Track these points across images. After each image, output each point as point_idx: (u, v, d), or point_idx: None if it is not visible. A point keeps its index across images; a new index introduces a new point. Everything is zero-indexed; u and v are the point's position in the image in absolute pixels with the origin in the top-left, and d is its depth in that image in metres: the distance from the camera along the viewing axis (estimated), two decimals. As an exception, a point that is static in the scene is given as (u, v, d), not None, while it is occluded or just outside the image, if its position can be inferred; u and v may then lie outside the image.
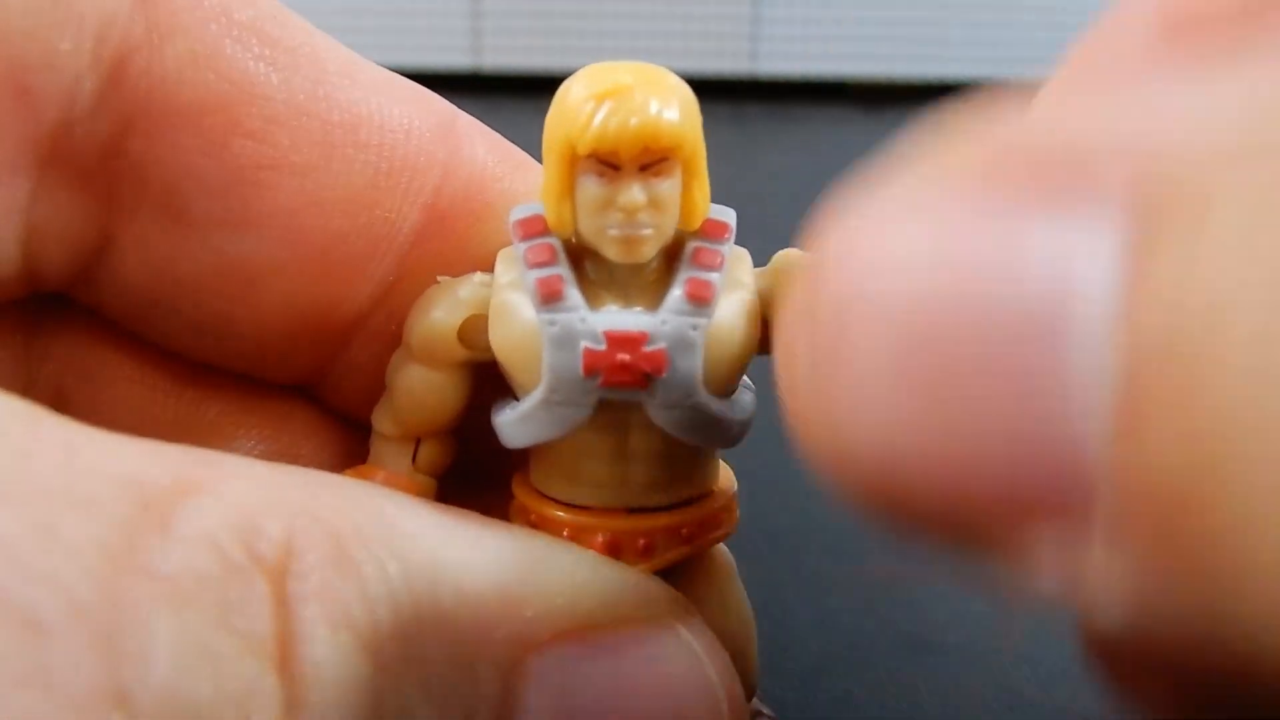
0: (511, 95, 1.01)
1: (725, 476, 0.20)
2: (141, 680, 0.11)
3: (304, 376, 0.21)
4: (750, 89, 1.03)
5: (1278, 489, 0.09)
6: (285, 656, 0.12)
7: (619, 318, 0.17)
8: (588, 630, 0.16)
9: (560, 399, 0.17)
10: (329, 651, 0.12)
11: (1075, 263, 0.10)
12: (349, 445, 0.21)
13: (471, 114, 0.21)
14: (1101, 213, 0.10)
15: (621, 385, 0.17)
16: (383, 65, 0.21)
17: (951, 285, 0.11)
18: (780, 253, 0.20)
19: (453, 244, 0.20)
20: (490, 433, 0.19)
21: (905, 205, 0.11)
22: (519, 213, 0.18)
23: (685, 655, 0.16)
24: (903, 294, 0.11)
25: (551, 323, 0.17)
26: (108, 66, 0.18)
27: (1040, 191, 0.10)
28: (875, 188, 0.12)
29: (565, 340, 0.17)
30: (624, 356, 0.17)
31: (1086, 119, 0.11)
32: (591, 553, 0.17)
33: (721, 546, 0.20)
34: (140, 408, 0.20)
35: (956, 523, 0.11)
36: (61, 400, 0.20)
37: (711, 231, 0.18)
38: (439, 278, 0.19)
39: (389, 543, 0.14)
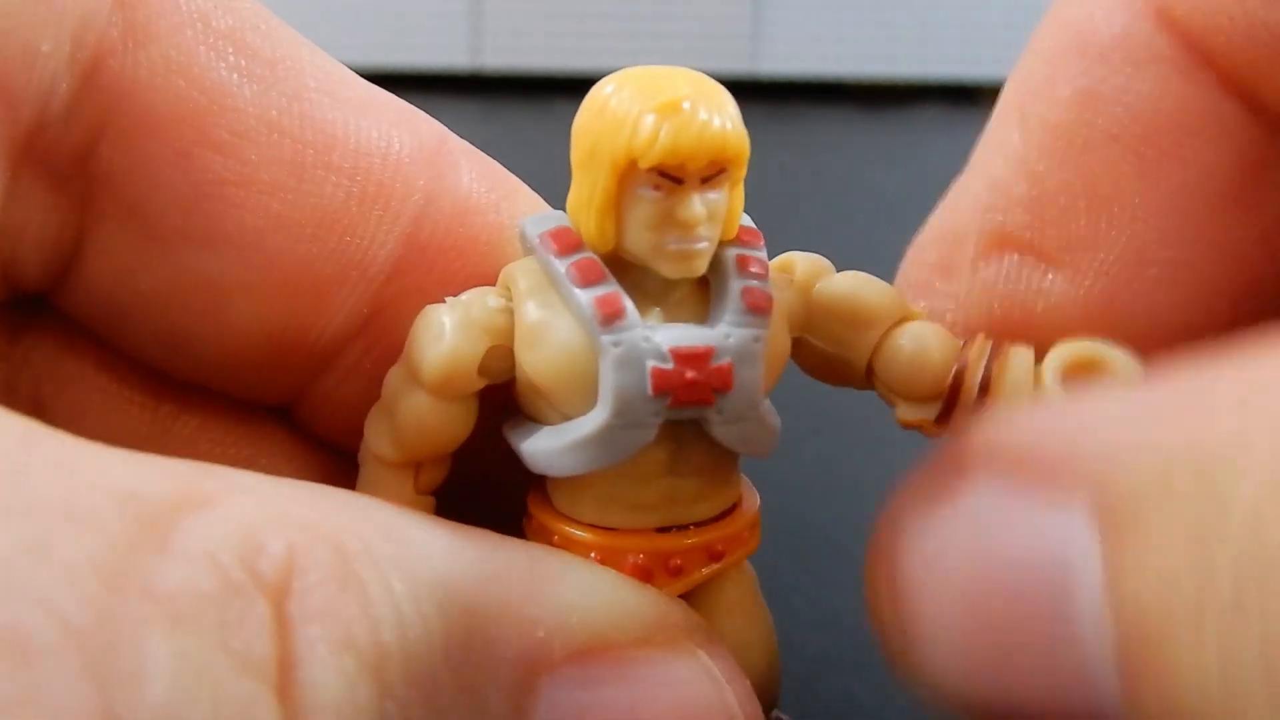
0: (511, 95, 1.01)
1: (748, 489, 0.19)
2: (135, 703, 0.11)
3: (278, 399, 0.20)
4: (750, 89, 1.03)
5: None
6: (284, 679, 0.12)
7: (683, 333, 0.16)
8: (603, 651, 0.15)
9: (625, 422, 0.16)
10: (329, 674, 0.12)
11: (1068, 547, 0.13)
12: (329, 470, 0.21)
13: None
14: (1078, 509, 0.13)
15: (690, 404, 0.16)
16: (382, 65, 0.20)
17: (990, 574, 0.14)
18: (793, 258, 0.19)
19: (434, 278, 0.19)
20: (487, 446, 0.18)
21: (947, 513, 0.15)
22: (540, 224, 0.17)
23: (704, 680, 0.16)
24: (957, 580, 0.14)
25: (616, 343, 0.16)
26: (83, 68, 0.17)
27: (1038, 495, 0.14)
28: (926, 498, 0.15)
29: (631, 361, 0.16)
30: (692, 374, 0.16)
31: (1059, 429, 0.15)
32: (611, 571, 0.17)
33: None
34: (115, 419, 0.20)
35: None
36: (39, 408, 0.20)
37: (748, 238, 0.18)
38: (446, 299, 0.18)
39: (396, 560, 0.14)
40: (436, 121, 0.20)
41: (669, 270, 0.17)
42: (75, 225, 0.19)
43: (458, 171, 0.20)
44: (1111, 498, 0.13)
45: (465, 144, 0.20)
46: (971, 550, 0.14)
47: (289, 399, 0.21)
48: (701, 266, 0.17)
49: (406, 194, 0.19)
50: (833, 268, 0.19)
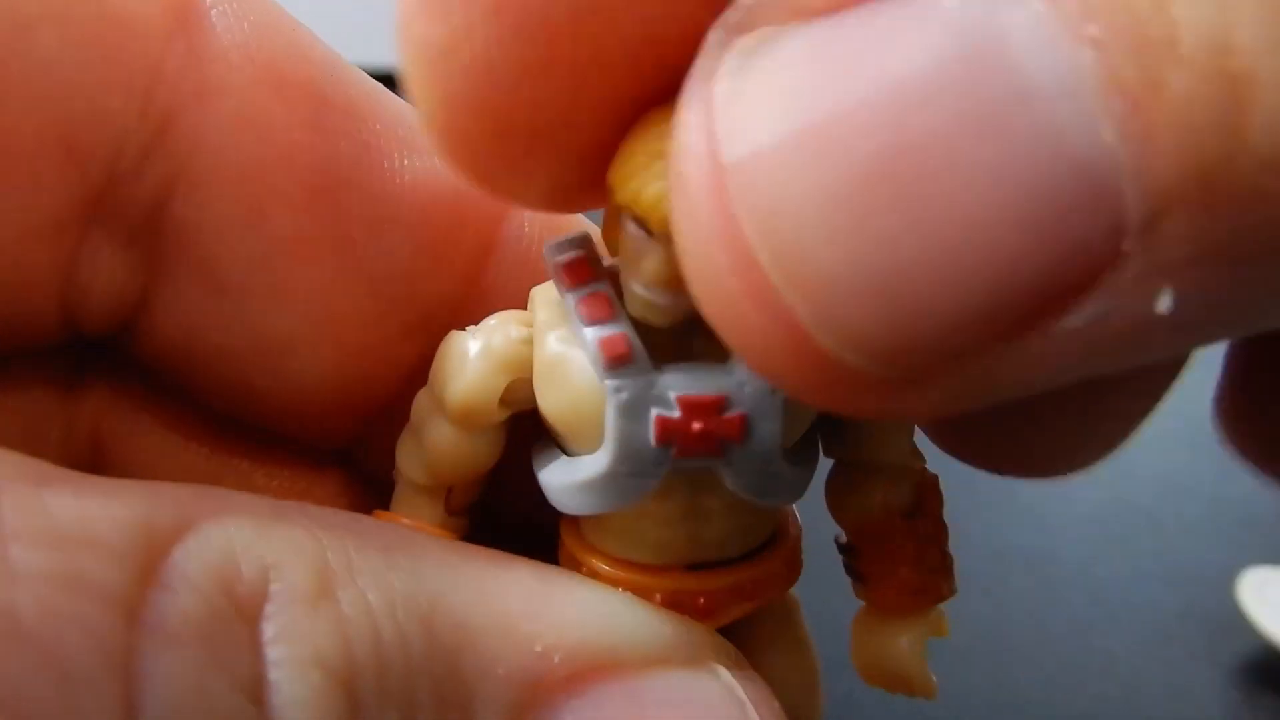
0: (512, 95, 1.00)
1: (792, 518, 0.18)
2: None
3: (338, 444, 0.20)
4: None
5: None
6: (260, 695, 0.12)
7: (693, 380, 0.15)
8: (611, 669, 0.15)
9: (627, 470, 0.15)
10: (298, 690, 0.12)
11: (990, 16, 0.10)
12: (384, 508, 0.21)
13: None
14: None
15: (696, 454, 0.15)
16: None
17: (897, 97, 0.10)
18: None
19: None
20: (527, 467, 0.17)
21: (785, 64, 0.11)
22: (557, 251, 0.16)
23: (727, 700, 0.15)
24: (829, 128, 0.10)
25: (618, 389, 0.15)
26: (155, 125, 0.17)
27: None
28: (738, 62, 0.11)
29: (634, 408, 0.15)
30: (700, 424, 0.15)
31: None
32: (628, 596, 0.16)
33: None
34: (173, 457, 0.20)
35: (988, 322, 0.10)
36: (97, 446, 0.20)
37: None
38: (468, 327, 0.17)
39: (377, 576, 0.13)
40: None
41: (634, 310, 0.15)
42: (143, 278, 0.18)
43: (520, 215, 0.19)
44: None
45: None
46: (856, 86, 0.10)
47: (349, 443, 0.20)
48: (664, 321, 0.15)
49: (474, 241, 0.19)
50: None
